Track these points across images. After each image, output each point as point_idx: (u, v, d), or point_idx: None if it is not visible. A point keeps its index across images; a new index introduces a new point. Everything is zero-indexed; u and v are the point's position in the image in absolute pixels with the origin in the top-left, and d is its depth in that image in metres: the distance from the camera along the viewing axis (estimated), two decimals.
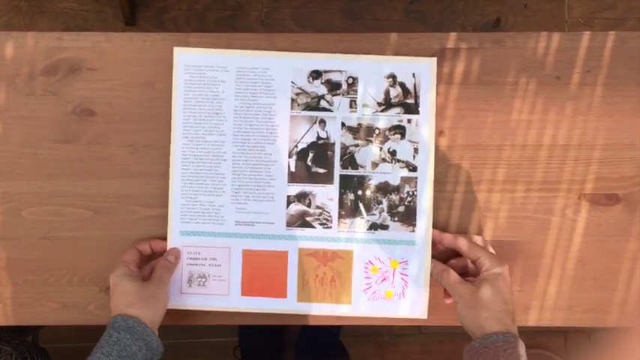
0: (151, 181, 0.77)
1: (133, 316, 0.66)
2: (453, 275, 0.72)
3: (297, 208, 0.76)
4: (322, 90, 0.77)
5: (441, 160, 0.77)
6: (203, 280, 0.77)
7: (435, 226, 0.77)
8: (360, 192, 0.76)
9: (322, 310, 0.77)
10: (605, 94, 0.78)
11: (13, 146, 0.77)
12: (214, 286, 0.77)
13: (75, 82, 0.77)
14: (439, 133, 0.77)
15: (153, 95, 0.77)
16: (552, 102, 0.78)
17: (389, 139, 0.77)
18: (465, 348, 0.68)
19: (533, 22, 1.57)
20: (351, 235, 0.76)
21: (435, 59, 0.76)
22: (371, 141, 0.77)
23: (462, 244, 0.72)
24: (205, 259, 0.77)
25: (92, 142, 0.77)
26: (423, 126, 0.76)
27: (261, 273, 0.76)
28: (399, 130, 0.76)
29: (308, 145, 0.76)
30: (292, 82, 0.76)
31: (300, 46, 0.77)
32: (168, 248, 0.76)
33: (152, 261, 0.75)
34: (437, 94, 0.77)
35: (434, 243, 0.76)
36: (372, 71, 0.76)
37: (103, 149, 0.77)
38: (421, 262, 0.76)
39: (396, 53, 0.77)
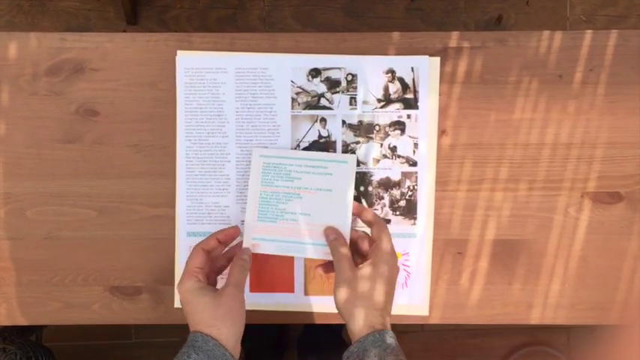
0: (154, 181, 0.77)
1: (214, 337, 0.62)
2: (346, 248, 0.69)
3: None
4: (322, 88, 0.77)
5: (444, 159, 0.77)
6: None
7: (437, 224, 0.77)
8: (362, 188, 0.77)
9: (329, 301, 0.77)
10: (607, 93, 0.78)
11: (17, 146, 0.77)
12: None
13: (78, 83, 0.77)
14: (442, 132, 0.78)
15: (156, 95, 0.77)
16: (555, 101, 0.78)
17: (389, 135, 0.77)
18: (344, 354, 0.65)
19: (534, 19, 1.56)
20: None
21: (437, 59, 0.76)
22: (372, 138, 0.77)
23: (372, 217, 0.71)
24: None
25: (96, 142, 0.77)
26: (423, 121, 0.76)
27: (268, 269, 0.76)
28: (399, 125, 0.77)
29: (310, 144, 0.77)
30: (292, 82, 0.76)
31: (303, 46, 0.77)
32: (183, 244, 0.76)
33: (218, 254, 0.71)
34: (439, 93, 0.77)
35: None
36: (370, 67, 0.76)
37: (107, 149, 0.77)
38: (422, 253, 0.77)
39: (399, 52, 0.77)
